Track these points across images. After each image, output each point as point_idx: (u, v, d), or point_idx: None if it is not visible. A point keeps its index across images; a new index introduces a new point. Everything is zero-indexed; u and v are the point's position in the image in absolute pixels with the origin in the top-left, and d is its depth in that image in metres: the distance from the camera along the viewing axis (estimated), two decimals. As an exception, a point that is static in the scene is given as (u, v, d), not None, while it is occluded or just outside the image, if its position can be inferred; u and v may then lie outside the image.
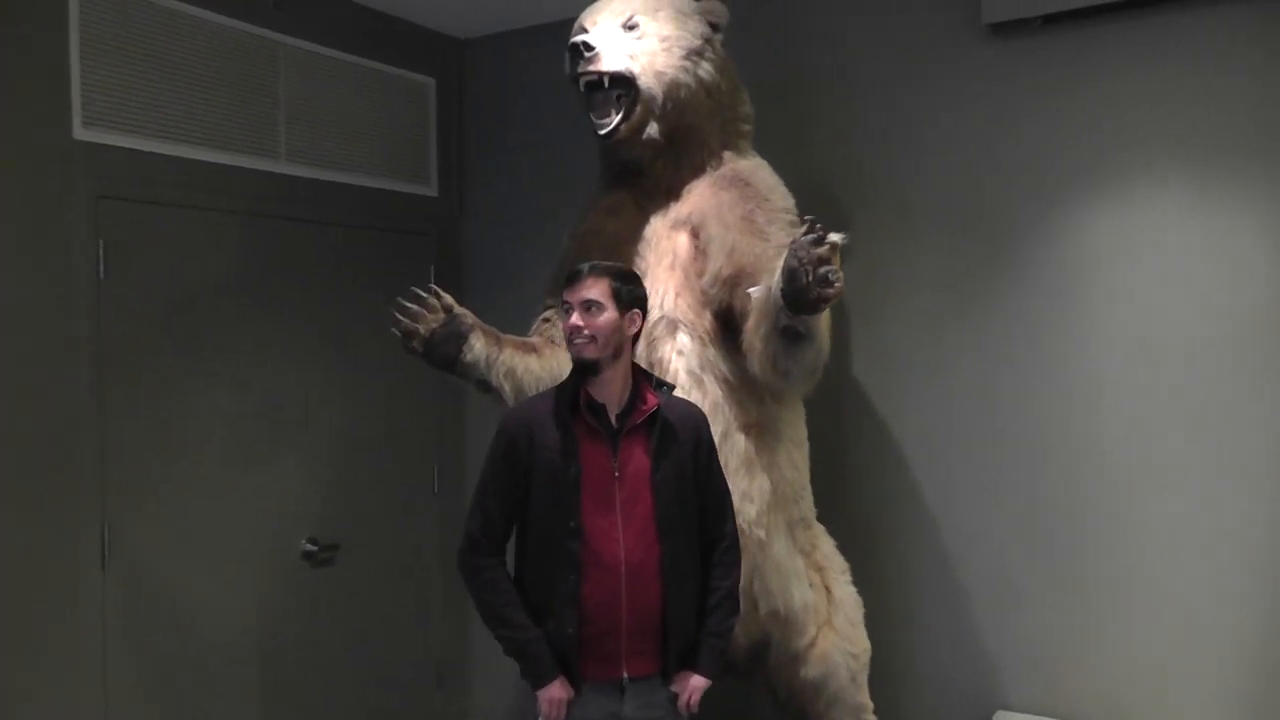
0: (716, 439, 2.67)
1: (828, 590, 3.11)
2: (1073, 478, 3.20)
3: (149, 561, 3.24)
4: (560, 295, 2.95)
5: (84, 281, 3.06)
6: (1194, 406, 3.03)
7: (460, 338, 2.76)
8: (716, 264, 2.82)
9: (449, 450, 4.32)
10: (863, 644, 3.10)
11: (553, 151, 4.19)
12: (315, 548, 3.71)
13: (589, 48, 2.76)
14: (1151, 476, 3.09)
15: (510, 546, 2.54)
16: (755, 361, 2.71)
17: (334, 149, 3.83)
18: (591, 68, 2.78)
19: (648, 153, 2.92)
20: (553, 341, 2.99)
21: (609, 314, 2.41)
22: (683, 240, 2.93)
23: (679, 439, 2.48)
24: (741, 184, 2.94)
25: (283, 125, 3.64)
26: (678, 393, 2.67)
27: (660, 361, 2.84)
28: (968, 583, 3.38)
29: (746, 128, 3.07)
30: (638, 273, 2.72)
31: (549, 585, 2.40)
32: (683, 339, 2.84)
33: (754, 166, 3.02)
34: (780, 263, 2.44)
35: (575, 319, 2.40)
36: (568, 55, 2.85)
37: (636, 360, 2.83)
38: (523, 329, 4.10)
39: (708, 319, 2.86)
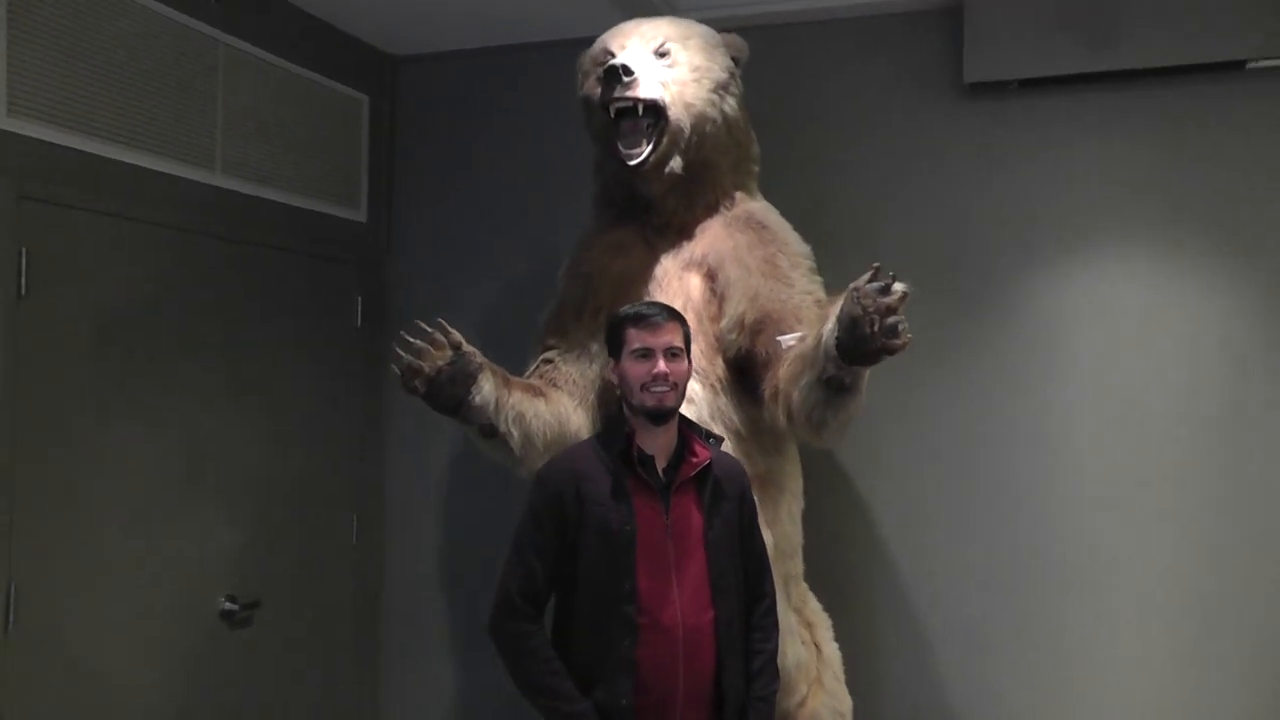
0: None
1: (817, 647, 3.03)
2: (1044, 528, 3.29)
3: (58, 623, 2.76)
4: (565, 336, 2.79)
5: (1, 297, 2.59)
6: (1160, 456, 3.19)
7: (469, 378, 2.51)
8: (739, 308, 2.71)
9: (368, 497, 3.96)
10: (848, 701, 3.04)
11: (487, 183, 3.99)
12: (235, 606, 3.29)
13: (629, 72, 2.61)
14: (1120, 524, 3.21)
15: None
16: (786, 411, 2.59)
17: (271, 163, 3.47)
18: (630, 93, 2.63)
19: (664, 187, 2.78)
20: (555, 385, 2.79)
21: (686, 360, 2.30)
22: (695, 282, 2.80)
23: (728, 495, 2.34)
24: (758, 226, 2.85)
25: (220, 133, 3.25)
26: None
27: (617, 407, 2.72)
28: (939, 633, 3.39)
29: (756, 168, 3.00)
30: None
31: (600, 651, 2.20)
32: (694, 386, 2.68)
33: (766, 209, 2.94)
34: (835, 310, 2.34)
35: (662, 365, 2.23)
36: (599, 77, 2.71)
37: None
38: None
39: (720, 365, 2.74)
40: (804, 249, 2.86)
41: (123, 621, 2.93)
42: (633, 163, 2.67)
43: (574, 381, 2.78)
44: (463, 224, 4.03)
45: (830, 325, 2.32)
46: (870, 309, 2.19)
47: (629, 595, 2.18)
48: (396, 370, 2.50)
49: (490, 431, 2.61)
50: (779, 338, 2.62)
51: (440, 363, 2.47)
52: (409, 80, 4.12)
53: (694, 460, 2.30)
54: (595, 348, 2.77)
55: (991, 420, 3.36)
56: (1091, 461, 3.25)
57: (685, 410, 2.63)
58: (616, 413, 2.35)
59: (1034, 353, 3.32)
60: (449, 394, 2.50)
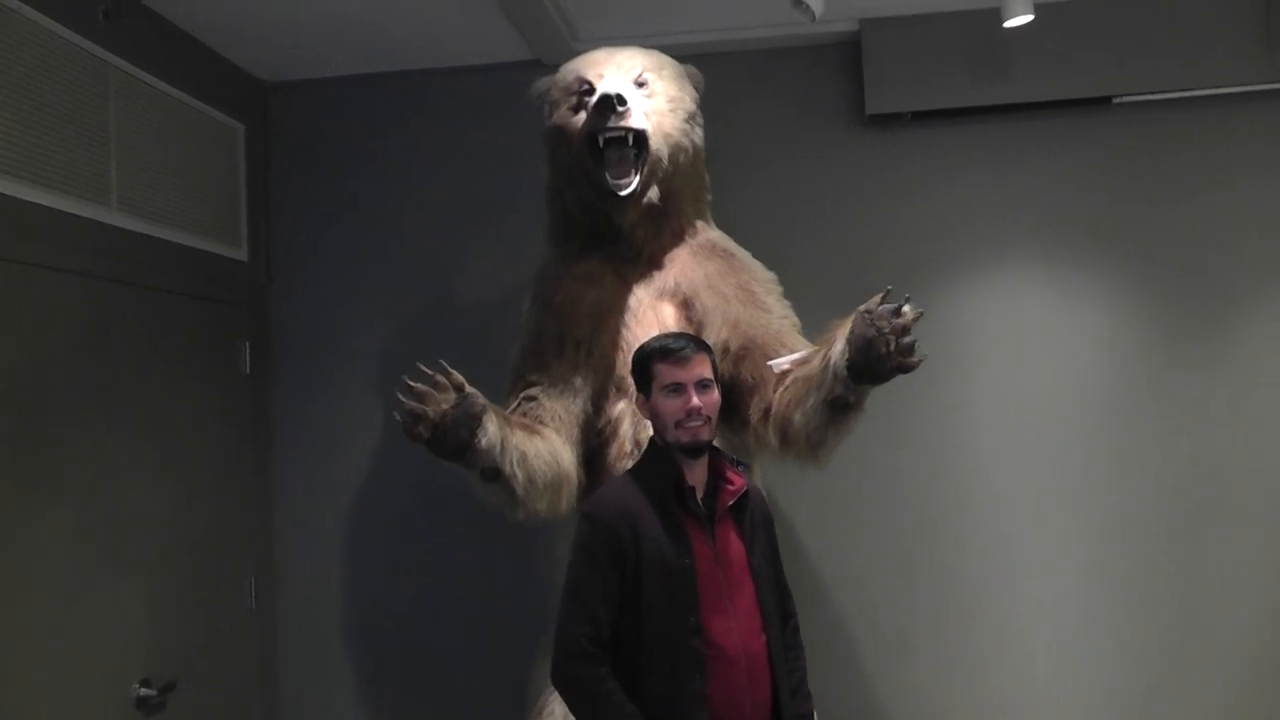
0: None
1: None
2: (955, 529, 3.51)
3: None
4: (547, 371, 2.70)
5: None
6: (1057, 456, 3.48)
7: (474, 420, 2.38)
8: (720, 335, 2.73)
9: (263, 555, 3.64)
10: None
11: (372, 215, 3.82)
12: (150, 691, 2.93)
13: (623, 101, 2.59)
14: (1024, 523, 3.48)
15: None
16: (781, 433, 2.64)
17: (163, 199, 3.14)
18: (624, 123, 2.61)
19: (637, 217, 2.77)
20: (541, 422, 2.70)
21: (716, 391, 2.29)
22: (670, 311, 2.81)
23: (761, 520, 2.36)
24: (725, 254, 2.89)
25: (114, 164, 2.92)
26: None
27: (649, 440, 2.66)
28: (859, 635, 3.53)
29: (709, 198, 3.03)
30: (624, 345, 2.66)
31: (670, 687, 2.14)
32: None
33: (724, 237, 2.98)
34: (842, 332, 2.42)
35: (696, 400, 2.21)
36: (575, 106, 2.67)
37: (622, 439, 2.70)
38: (345, 416, 3.75)
39: None
40: (771, 275, 2.93)
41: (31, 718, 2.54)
42: (623, 192, 2.64)
43: (560, 418, 2.69)
44: (348, 259, 3.82)
45: (840, 347, 2.40)
46: (886, 330, 2.29)
47: (694, 629, 2.15)
48: (399, 417, 2.35)
49: (493, 475, 2.49)
50: (770, 362, 2.66)
51: (445, 406, 2.34)
52: (281, 107, 3.86)
53: (730, 489, 2.29)
54: (579, 382, 2.72)
55: (901, 432, 3.54)
56: (995, 465, 3.51)
57: None
58: (656, 446, 2.30)
59: (938, 366, 3.50)
60: (454, 438, 2.37)
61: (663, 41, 3.62)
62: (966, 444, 3.54)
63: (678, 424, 2.21)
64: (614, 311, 2.78)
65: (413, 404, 2.34)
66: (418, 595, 3.69)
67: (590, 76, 2.73)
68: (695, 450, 2.24)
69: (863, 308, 2.37)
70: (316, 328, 3.79)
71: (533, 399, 2.71)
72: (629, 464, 2.66)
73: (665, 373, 2.24)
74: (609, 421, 2.73)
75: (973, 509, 3.51)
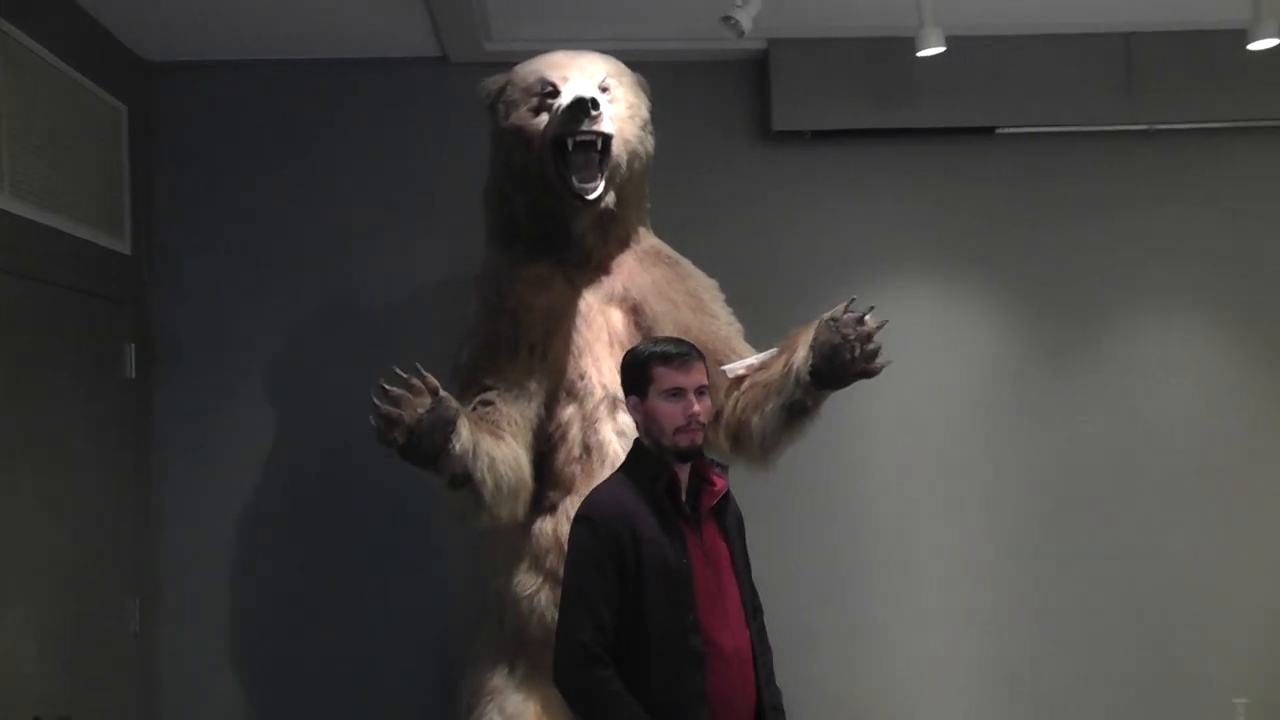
0: None
1: None
2: (855, 529, 3.70)
3: None
4: (502, 375, 2.66)
5: None
6: (950, 458, 3.74)
7: (448, 425, 2.33)
8: None
9: (145, 574, 3.37)
10: None
11: (258, 210, 3.62)
12: (44, 732, 2.66)
13: (596, 105, 2.58)
14: (918, 521, 3.71)
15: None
16: (734, 437, 2.72)
17: (42, 179, 2.84)
18: (596, 127, 2.60)
19: (590, 222, 2.77)
20: (499, 427, 2.64)
21: (709, 398, 2.31)
22: (618, 316, 2.82)
23: (736, 518, 2.41)
24: (670, 261, 2.93)
25: (4, 144, 2.63)
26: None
27: (600, 444, 2.70)
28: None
29: (649, 206, 3.06)
30: (575, 350, 2.70)
31: (672, 686, 2.15)
32: (623, 418, 2.69)
33: (664, 244, 3.01)
34: (804, 339, 2.53)
35: (697, 406, 2.23)
36: (558, 109, 2.62)
37: (571, 444, 2.72)
38: (234, 425, 3.57)
39: None
40: (713, 282, 2.99)
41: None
42: (591, 196, 2.63)
43: (515, 423, 2.65)
44: (238, 256, 3.61)
45: (803, 353, 2.51)
46: (851, 337, 2.42)
47: (693, 627, 2.17)
48: (373, 422, 2.26)
49: (463, 480, 2.43)
50: (724, 367, 2.73)
51: (420, 410, 2.28)
52: (169, 90, 3.59)
53: (713, 490, 2.32)
54: (533, 386, 2.69)
55: (805, 439, 3.69)
56: (893, 468, 3.72)
57: (617, 443, 2.70)
58: (649, 448, 2.28)
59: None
60: (428, 444, 2.31)
61: (574, 48, 3.65)
62: (864, 454, 3.73)
63: (678, 429, 2.22)
64: (565, 316, 2.76)
65: (388, 408, 2.27)
66: (312, 614, 3.53)
67: (554, 78, 2.70)
68: (691, 455, 2.26)
69: (827, 315, 2.48)
70: (204, 329, 3.55)
71: (489, 403, 2.65)
72: (577, 469, 2.68)
73: (666, 377, 2.23)
74: (559, 425, 2.72)
75: (870, 508, 3.70)
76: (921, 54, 3.23)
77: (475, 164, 3.55)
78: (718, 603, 2.23)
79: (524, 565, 2.67)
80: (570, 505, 2.61)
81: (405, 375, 2.31)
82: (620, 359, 2.70)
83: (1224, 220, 3.83)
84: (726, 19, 3.17)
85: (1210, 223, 3.83)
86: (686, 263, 2.98)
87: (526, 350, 2.71)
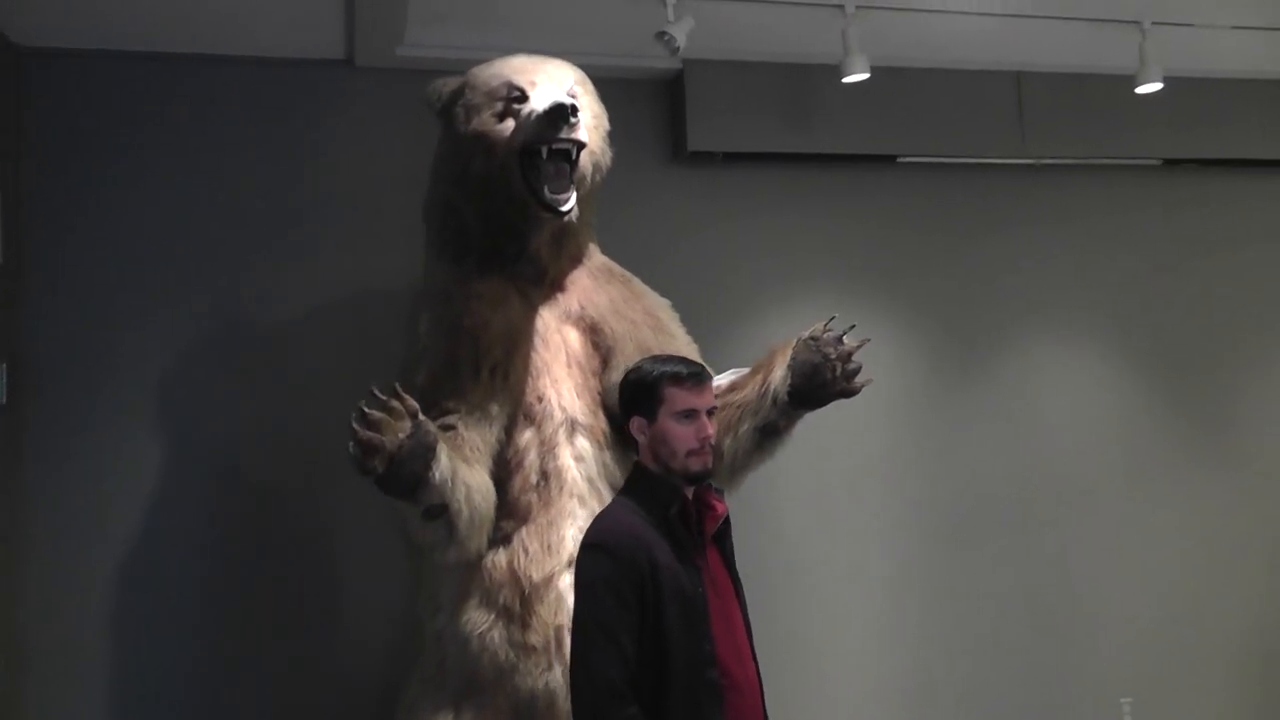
0: None
1: None
2: (761, 547, 3.63)
3: None
4: (464, 398, 2.53)
5: None
6: (850, 478, 3.83)
7: (429, 451, 2.17)
8: (631, 360, 2.59)
9: (5, 625, 3.01)
10: None
11: (141, 216, 3.30)
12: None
13: (575, 112, 2.45)
14: (823, 538, 3.78)
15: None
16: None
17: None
18: (575, 135, 2.48)
19: (549, 237, 2.65)
20: (462, 451, 2.48)
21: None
22: (574, 336, 2.71)
23: (732, 543, 2.33)
24: (623, 279, 2.85)
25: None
26: (579, 508, 2.51)
27: (558, 470, 2.55)
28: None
29: (594, 220, 2.98)
30: (534, 371, 2.58)
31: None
32: (582, 443, 2.60)
33: (612, 262, 2.93)
34: (782, 359, 2.50)
35: (710, 429, 2.16)
36: (531, 115, 2.47)
37: (528, 471, 2.58)
38: (116, 446, 3.27)
39: (602, 420, 2.67)
40: (666, 301, 2.91)
41: None
42: (564, 208, 2.51)
43: (478, 449, 2.48)
44: (121, 266, 3.27)
45: (780, 373, 2.47)
46: (832, 356, 2.42)
47: (710, 658, 2.09)
48: (351, 450, 2.08)
49: (439, 511, 2.26)
50: None
51: (401, 435, 2.11)
52: (41, 80, 3.25)
53: (713, 515, 2.23)
54: (495, 409, 2.53)
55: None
56: (797, 485, 3.76)
57: (575, 469, 2.59)
58: (649, 471, 2.18)
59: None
60: (409, 472, 2.14)
61: (482, 56, 3.52)
62: (768, 465, 3.73)
63: (690, 452, 2.13)
64: (523, 335, 2.62)
65: (369, 434, 2.09)
66: (202, 657, 3.20)
67: (521, 83, 2.56)
68: (702, 478, 2.18)
69: (806, 334, 2.46)
70: (81, 346, 3.20)
71: (451, 428, 2.47)
72: (534, 497, 2.54)
73: (680, 398, 2.15)
74: (516, 451, 2.56)
75: (776, 525, 3.72)
76: (846, 80, 3.31)
77: (381, 173, 3.45)
78: (728, 632, 2.16)
79: (473, 601, 2.49)
80: (526, 536, 2.49)
81: (383, 397, 2.13)
82: (580, 381, 2.65)
83: (1103, 250, 4.12)
84: (661, 35, 3.15)
85: (1091, 252, 4.11)
86: (637, 280, 2.89)
87: (488, 371, 2.54)
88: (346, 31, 3.33)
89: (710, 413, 2.20)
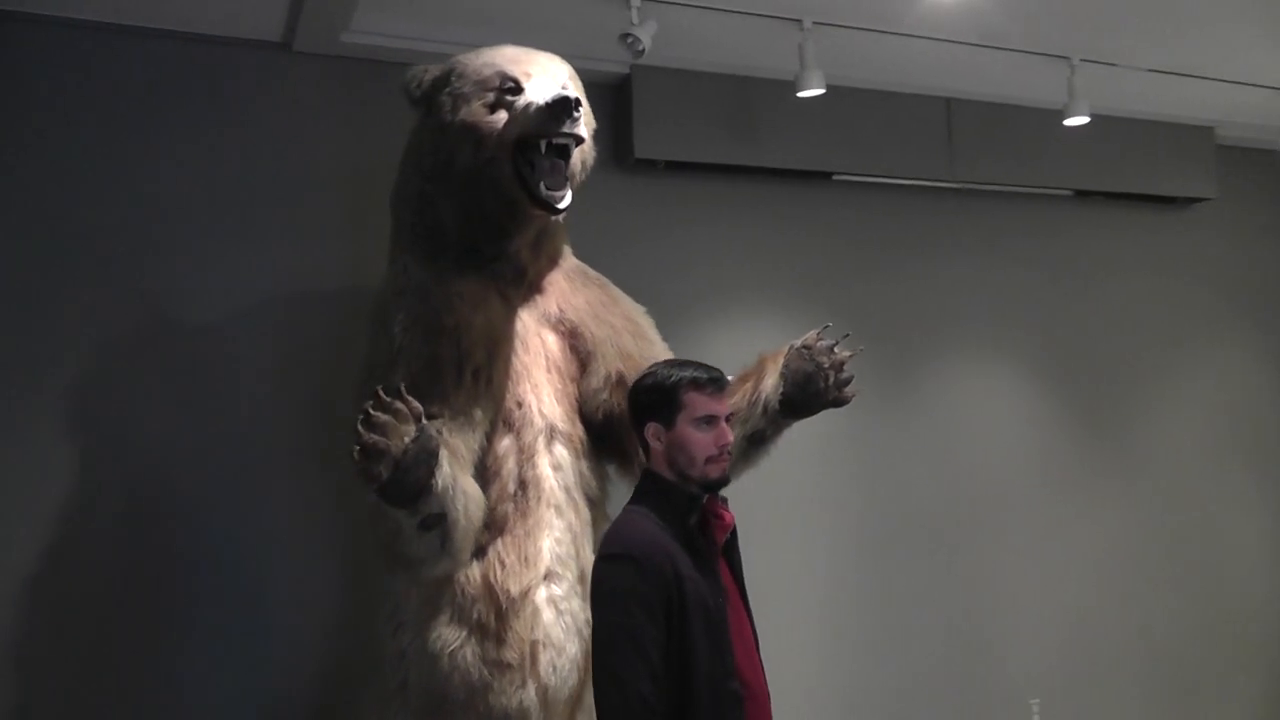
0: (584, 568, 2.49)
1: None
2: None
3: None
4: (447, 402, 2.44)
5: None
6: (780, 492, 3.85)
7: (431, 456, 2.06)
8: (612, 366, 2.61)
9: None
10: None
11: (58, 199, 3.01)
12: None
13: (579, 106, 2.36)
14: (754, 550, 3.76)
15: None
16: None
17: None
18: (576, 130, 2.39)
19: (533, 236, 2.57)
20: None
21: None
22: (553, 340, 2.63)
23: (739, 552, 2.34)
24: (599, 283, 2.79)
25: None
26: (555, 519, 2.47)
27: (536, 480, 2.48)
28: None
29: (570, 221, 2.90)
30: (514, 375, 2.51)
31: None
32: (560, 451, 2.53)
33: (586, 265, 2.87)
34: (774, 367, 2.50)
35: (729, 434, 2.15)
36: (532, 107, 2.37)
37: (505, 479, 2.50)
38: (25, 457, 2.93)
39: (580, 427, 2.61)
40: (642, 307, 2.85)
41: None
42: (562, 205, 2.43)
43: (462, 456, 2.35)
44: (33, 256, 2.97)
45: (772, 381, 2.47)
46: (825, 365, 2.42)
47: (731, 670, 2.07)
48: (355, 455, 1.97)
49: (436, 521, 2.15)
50: None
51: (406, 440, 2.00)
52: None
53: (722, 524, 2.20)
54: (478, 414, 2.42)
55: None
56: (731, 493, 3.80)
57: (553, 478, 2.52)
58: (662, 479, 2.14)
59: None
60: (414, 479, 2.02)
61: (431, 49, 3.45)
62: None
63: (709, 459, 2.11)
64: (505, 338, 2.52)
65: (375, 438, 1.97)
66: (103, 686, 2.92)
67: (516, 74, 2.46)
68: (720, 485, 2.16)
69: (798, 343, 2.46)
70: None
71: (438, 432, 2.33)
72: (511, 507, 2.45)
73: (701, 404, 2.12)
74: (495, 459, 2.46)
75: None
76: (802, 95, 3.36)
77: (318, 165, 3.29)
78: (742, 642, 2.15)
79: (443, 618, 2.38)
80: (503, 548, 2.40)
81: (388, 399, 2.00)
82: (560, 387, 2.59)
83: (1020, 272, 4.32)
84: (625, 37, 3.13)
85: (1009, 274, 4.30)
86: (612, 285, 2.83)
87: (470, 374, 2.43)
88: (290, 13, 3.15)
89: (729, 419, 2.19)
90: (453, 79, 2.51)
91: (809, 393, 2.44)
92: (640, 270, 3.70)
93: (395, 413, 2.01)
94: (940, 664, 4.03)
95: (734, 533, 2.24)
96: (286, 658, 3.07)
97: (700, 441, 2.11)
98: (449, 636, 2.36)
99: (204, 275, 3.15)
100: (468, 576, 2.38)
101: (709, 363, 2.35)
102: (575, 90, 2.49)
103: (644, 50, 3.10)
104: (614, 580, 2.03)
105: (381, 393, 2.01)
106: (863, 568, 3.95)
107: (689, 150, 3.77)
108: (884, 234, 4.09)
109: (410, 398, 2.05)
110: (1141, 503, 4.54)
